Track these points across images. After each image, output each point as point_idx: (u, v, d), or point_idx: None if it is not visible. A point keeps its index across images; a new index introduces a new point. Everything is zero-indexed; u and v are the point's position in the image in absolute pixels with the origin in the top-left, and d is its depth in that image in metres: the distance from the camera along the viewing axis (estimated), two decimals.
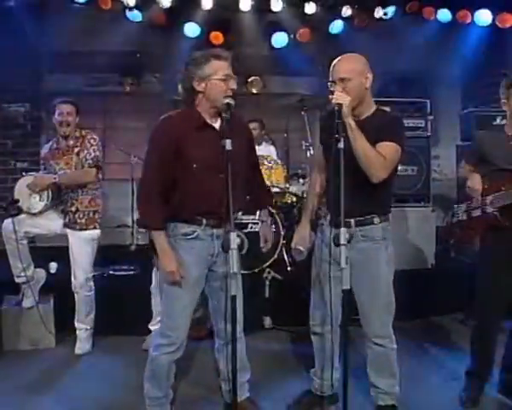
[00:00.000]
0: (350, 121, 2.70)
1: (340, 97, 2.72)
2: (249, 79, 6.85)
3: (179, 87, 2.87)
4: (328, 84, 2.87)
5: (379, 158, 2.74)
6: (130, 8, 5.94)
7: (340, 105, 2.69)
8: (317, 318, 3.17)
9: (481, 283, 3.34)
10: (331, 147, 2.72)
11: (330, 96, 2.78)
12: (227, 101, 2.72)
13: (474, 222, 3.40)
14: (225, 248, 2.45)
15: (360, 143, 2.72)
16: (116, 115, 6.80)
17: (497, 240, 3.24)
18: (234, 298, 2.45)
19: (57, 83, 6.58)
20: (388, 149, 2.79)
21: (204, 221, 2.83)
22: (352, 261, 2.74)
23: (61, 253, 4.51)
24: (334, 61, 2.90)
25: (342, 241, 2.49)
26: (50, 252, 4.79)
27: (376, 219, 2.93)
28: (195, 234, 2.84)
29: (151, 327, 4.26)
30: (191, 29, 6.20)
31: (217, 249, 2.86)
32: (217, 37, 6.31)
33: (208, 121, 2.83)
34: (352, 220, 2.86)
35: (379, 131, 2.80)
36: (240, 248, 2.50)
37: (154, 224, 2.80)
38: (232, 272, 2.41)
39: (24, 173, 4.42)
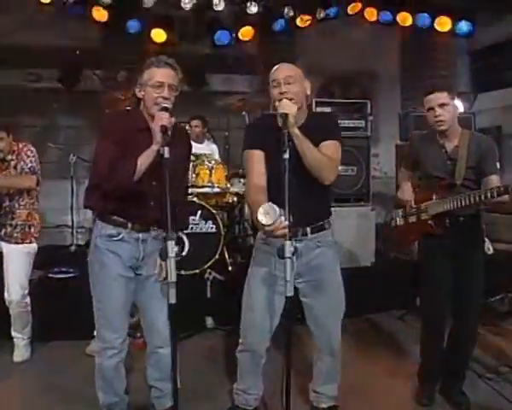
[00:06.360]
0: (295, 131, 2.68)
1: (286, 106, 2.70)
2: None
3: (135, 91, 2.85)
4: (272, 84, 2.82)
5: (328, 161, 2.77)
6: (72, 3, 5.85)
7: (285, 114, 2.67)
8: (256, 336, 3.05)
9: (425, 289, 3.46)
10: (273, 156, 2.73)
11: (277, 104, 2.75)
12: (164, 105, 2.68)
13: (411, 228, 3.49)
14: (163, 256, 2.42)
15: (308, 151, 2.71)
16: (55, 113, 6.67)
17: (433, 246, 3.34)
18: (170, 306, 2.43)
19: None
20: (333, 147, 2.83)
21: (129, 225, 2.83)
22: (309, 270, 2.85)
23: None
24: (276, 66, 2.87)
25: (287, 254, 2.44)
26: None
27: (327, 224, 2.97)
28: (120, 236, 2.84)
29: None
30: (133, 26, 6.16)
31: (142, 253, 2.86)
32: (158, 34, 6.27)
33: (150, 125, 2.77)
34: (308, 228, 2.87)
35: (320, 132, 2.81)
36: (179, 252, 2.46)
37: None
38: (170, 282, 2.39)
39: None
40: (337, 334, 3.08)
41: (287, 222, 2.43)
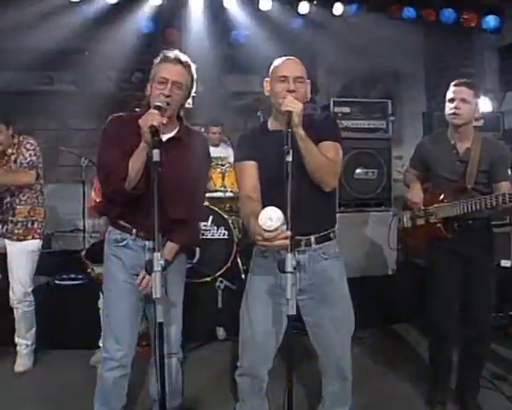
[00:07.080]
0: (300, 132, 2.46)
1: (291, 103, 2.46)
2: None
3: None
4: (278, 78, 2.58)
5: (330, 165, 2.54)
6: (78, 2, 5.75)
7: (290, 113, 2.44)
8: (255, 358, 2.76)
9: (429, 295, 3.32)
10: (269, 163, 2.56)
11: (280, 100, 2.51)
12: (157, 103, 2.50)
13: (419, 231, 3.41)
14: (148, 269, 2.24)
15: (312, 153, 2.49)
16: (69, 115, 6.62)
17: (440, 249, 3.25)
18: (160, 325, 2.25)
19: (7, 81, 6.36)
20: (333, 149, 2.60)
21: (134, 231, 2.70)
22: (313, 285, 2.62)
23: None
24: (285, 59, 2.65)
25: (289, 268, 2.21)
26: None
27: (332, 234, 2.72)
28: (125, 242, 2.72)
29: (101, 344, 4.06)
30: (144, 25, 6.04)
31: None
32: (171, 33, 6.17)
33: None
34: (312, 237, 2.62)
35: (317, 132, 2.58)
36: (164, 267, 2.27)
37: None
38: (155, 298, 2.20)
39: None
40: (347, 356, 2.78)
41: (289, 232, 2.19)
